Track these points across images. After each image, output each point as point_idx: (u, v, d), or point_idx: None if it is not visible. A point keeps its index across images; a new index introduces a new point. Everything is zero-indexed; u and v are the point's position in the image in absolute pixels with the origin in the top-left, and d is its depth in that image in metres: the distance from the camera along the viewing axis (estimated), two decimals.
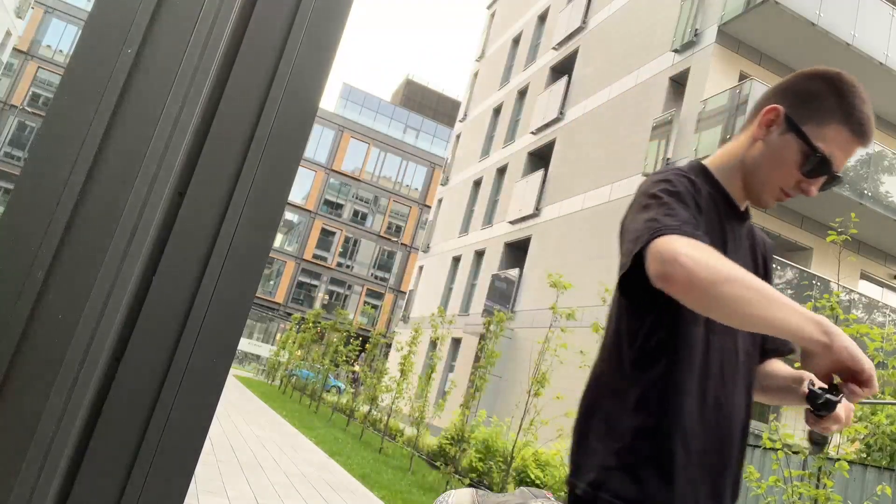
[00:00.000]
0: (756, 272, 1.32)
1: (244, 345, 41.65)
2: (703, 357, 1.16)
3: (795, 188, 1.26)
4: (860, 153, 12.93)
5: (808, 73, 1.31)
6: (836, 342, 1.00)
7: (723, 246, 1.24)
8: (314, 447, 10.06)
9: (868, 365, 1.02)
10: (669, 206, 1.14)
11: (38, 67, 40.10)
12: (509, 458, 8.27)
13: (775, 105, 1.28)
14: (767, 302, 1.01)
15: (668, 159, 13.49)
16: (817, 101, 1.25)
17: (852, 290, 12.73)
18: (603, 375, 1.28)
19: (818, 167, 1.23)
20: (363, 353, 18.93)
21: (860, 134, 1.24)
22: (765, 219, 13.51)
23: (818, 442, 1.14)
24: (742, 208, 1.34)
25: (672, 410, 1.14)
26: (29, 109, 37.58)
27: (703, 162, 1.37)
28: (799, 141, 1.23)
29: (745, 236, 1.35)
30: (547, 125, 19.75)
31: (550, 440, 8.40)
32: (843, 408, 1.09)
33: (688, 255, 1.02)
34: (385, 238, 48.32)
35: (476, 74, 28.42)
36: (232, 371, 23.61)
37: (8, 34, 29.07)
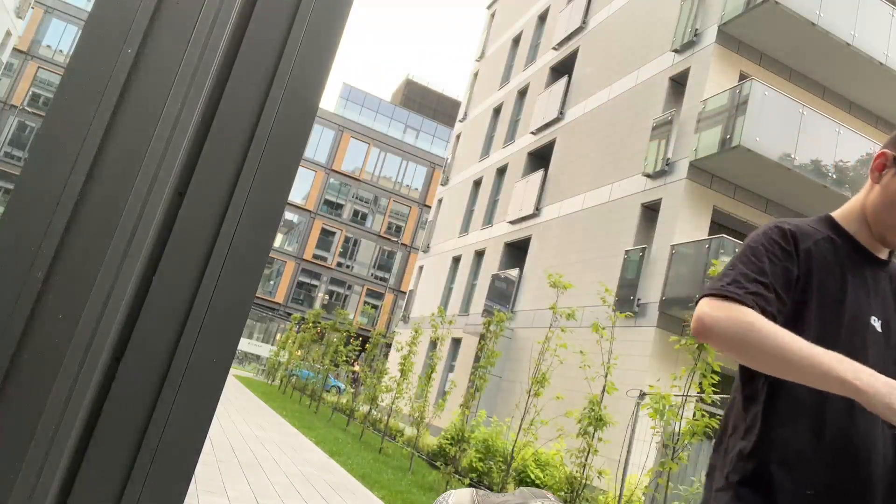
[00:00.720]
0: None
1: (244, 345, 41.65)
2: (818, 393, 1.19)
3: None
4: (869, 150, 12.94)
5: None
6: (866, 395, 1.07)
7: (841, 289, 1.29)
8: (314, 447, 10.06)
9: None
10: (745, 264, 1.27)
11: (38, 67, 40.10)
12: (509, 458, 8.28)
13: (885, 150, 1.35)
14: (788, 355, 1.11)
15: (668, 159, 13.49)
16: None
17: None
18: (728, 414, 1.39)
19: None
20: (363, 353, 18.93)
21: None
22: (764, 218, 13.51)
23: None
24: (881, 254, 1.38)
25: (769, 437, 1.25)
26: (29, 109, 37.58)
27: (833, 213, 1.44)
28: None
29: (888, 278, 1.38)
30: (547, 125, 19.75)
31: (550, 440, 8.40)
32: None
33: (710, 315, 1.19)
34: (385, 238, 48.33)
35: (476, 74, 28.42)
36: (232, 371, 23.62)
37: (8, 34, 29.07)
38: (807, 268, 1.29)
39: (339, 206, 47.84)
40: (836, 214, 1.42)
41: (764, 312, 1.19)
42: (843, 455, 1.20)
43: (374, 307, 47.25)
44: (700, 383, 5.56)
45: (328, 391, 23.39)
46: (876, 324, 1.29)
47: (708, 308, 1.20)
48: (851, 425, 1.21)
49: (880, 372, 1.17)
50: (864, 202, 1.36)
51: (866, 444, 1.21)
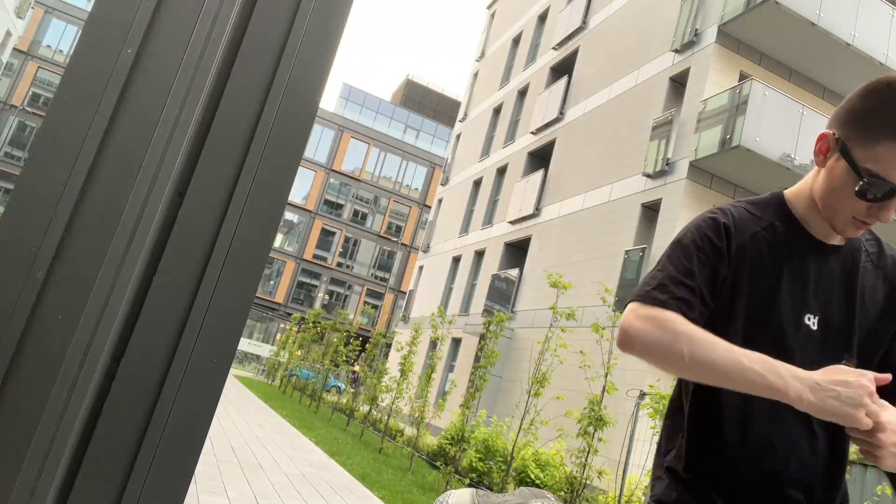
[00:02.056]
0: (852, 296, 1.25)
1: (244, 345, 41.65)
2: (741, 397, 1.15)
3: (868, 215, 1.17)
4: None
5: (862, 88, 1.21)
6: (792, 395, 1.04)
7: (774, 287, 1.22)
8: (314, 447, 10.06)
9: (846, 411, 1.01)
10: (674, 264, 1.21)
11: (38, 67, 40.09)
12: (509, 458, 8.28)
13: (825, 131, 1.23)
14: (713, 364, 1.08)
15: (668, 159, 13.49)
16: (867, 116, 1.16)
17: None
18: (670, 406, 1.37)
19: (874, 190, 1.14)
20: (363, 353, 18.93)
21: None
22: None
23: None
24: (832, 240, 1.27)
25: (693, 446, 1.24)
26: (29, 109, 37.58)
27: (786, 192, 1.33)
28: (848, 165, 1.16)
29: (839, 265, 1.26)
30: (547, 125, 19.75)
31: (550, 440, 8.40)
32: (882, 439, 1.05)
33: (634, 325, 1.15)
34: (385, 238, 48.33)
35: (476, 74, 28.42)
36: (232, 371, 23.62)
37: (8, 34, 29.07)
38: (738, 266, 1.22)
39: (339, 206, 47.84)
40: (789, 193, 1.31)
41: (691, 318, 1.14)
42: (764, 456, 1.18)
43: (374, 307, 47.25)
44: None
45: (328, 391, 23.39)
46: (810, 321, 1.22)
47: (632, 317, 1.15)
48: (772, 425, 1.19)
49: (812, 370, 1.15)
50: (812, 186, 1.26)
51: (785, 446, 1.18)
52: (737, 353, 1.08)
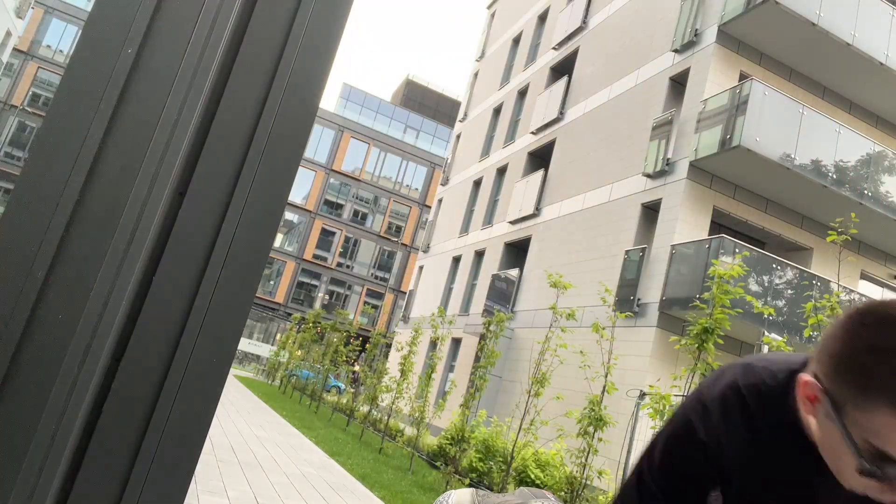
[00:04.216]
0: None
1: (244, 345, 41.65)
2: None
3: (878, 492, 0.87)
4: (865, 153, 12.94)
5: (841, 328, 0.90)
6: None
7: (775, 489, 1.05)
8: (314, 447, 10.06)
9: None
10: (646, 473, 1.14)
11: (38, 67, 40.10)
12: (509, 458, 8.28)
13: (808, 378, 0.93)
14: None
15: (668, 159, 13.49)
16: (856, 371, 0.86)
17: (852, 290, 12.73)
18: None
19: (882, 471, 0.84)
20: (363, 353, 18.93)
21: None
22: (764, 218, 13.53)
23: None
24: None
25: None
26: (29, 109, 37.59)
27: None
28: (843, 434, 0.87)
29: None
30: (547, 125, 19.76)
31: (550, 440, 8.40)
32: None
33: None
34: (385, 238, 48.33)
35: (476, 74, 28.42)
36: (232, 371, 23.62)
37: (8, 34, 29.08)
38: (725, 472, 1.09)
39: (339, 206, 47.84)
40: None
41: None
42: None
43: (374, 307, 47.25)
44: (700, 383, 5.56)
45: (328, 391, 23.40)
46: None
47: None
48: None
49: None
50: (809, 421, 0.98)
51: None
52: None
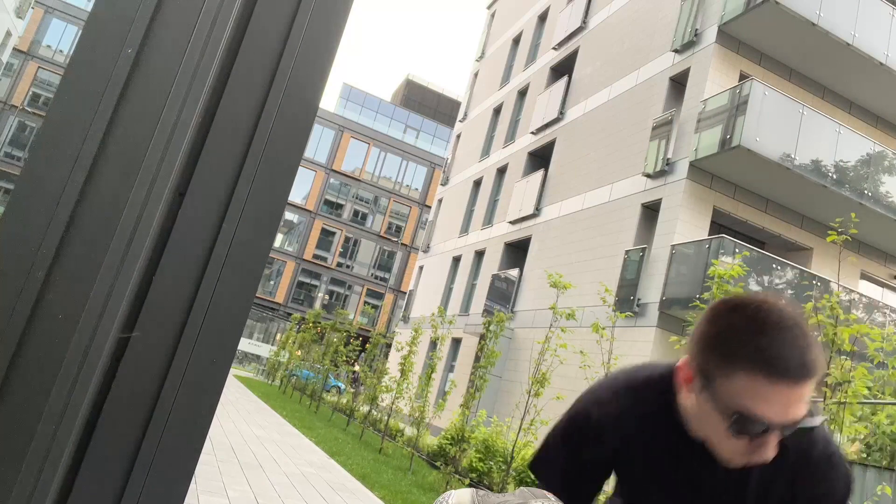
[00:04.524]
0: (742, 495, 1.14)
1: (244, 345, 41.65)
2: None
3: (748, 452, 1.02)
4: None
5: (708, 311, 1.08)
6: None
7: (656, 482, 1.17)
8: (314, 447, 10.06)
9: None
10: (550, 447, 1.26)
11: (38, 67, 40.10)
12: (509, 458, 8.28)
13: (682, 362, 1.09)
14: None
15: (668, 159, 13.50)
16: (719, 344, 1.03)
17: (852, 290, 12.73)
18: None
19: (748, 428, 1.00)
20: (363, 353, 18.93)
21: (767, 366, 0.96)
22: (764, 218, 13.52)
23: None
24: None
25: None
26: (29, 109, 37.59)
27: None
28: (713, 402, 1.03)
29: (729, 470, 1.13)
30: (547, 125, 19.76)
31: None
32: None
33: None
34: (385, 238, 48.33)
35: (476, 74, 28.42)
36: (232, 371, 23.62)
37: (8, 34, 29.08)
38: (617, 458, 1.22)
39: (339, 206, 47.84)
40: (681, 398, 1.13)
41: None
42: None
43: (374, 307, 47.25)
44: None
45: (328, 391, 23.40)
46: None
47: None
48: None
49: None
50: (684, 402, 1.11)
51: None
52: None
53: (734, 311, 1.03)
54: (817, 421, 1.02)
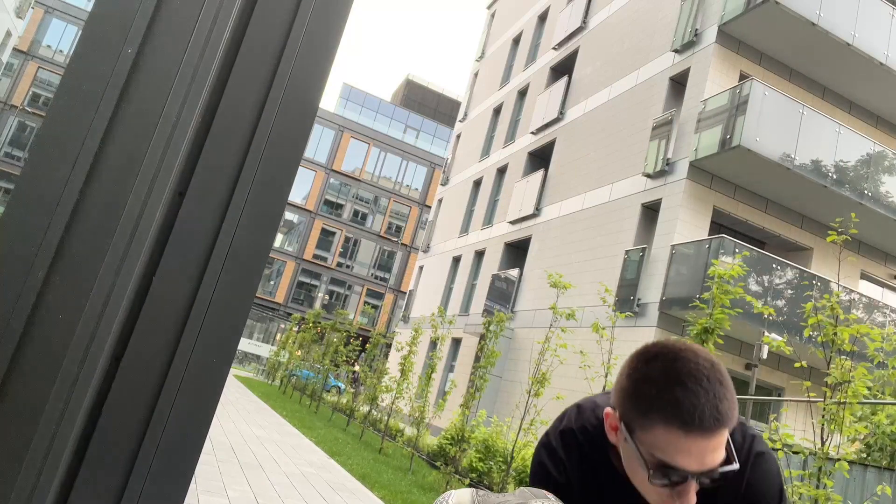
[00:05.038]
0: None
1: (244, 345, 41.65)
2: None
3: (671, 499, 1.04)
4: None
5: (626, 364, 1.10)
6: None
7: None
8: (314, 447, 10.06)
9: None
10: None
11: (38, 67, 40.10)
12: (509, 458, 8.28)
13: (610, 410, 1.12)
14: None
15: (668, 159, 13.50)
16: (636, 397, 1.05)
17: (852, 290, 12.73)
18: None
19: (667, 477, 1.02)
20: (363, 353, 18.93)
21: (681, 420, 0.99)
22: (764, 218, 13.52)
23: None
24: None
25: None
26: (29, 109, 37.59)
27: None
28: (635, 452, 1.06)
29: None
30: (547, 125, 19.76)
31: None
32: None
33: None
34: (385, 238, 48.33)
35: (476, 74, 28.42)
36: (232, 371, 23.63)
37: (8, 34, 29.08)
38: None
39: (339, 206, 47.84)
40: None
41: None
42: None
43: (374, 307, 47.25)
44: None
45: (328, 391, 23.40)
46: None
47: None
48: None
49: None
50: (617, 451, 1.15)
51: None
52: None
53: (651, 361, 1.05)
54: (735, 467, 1.04)
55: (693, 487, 1.03)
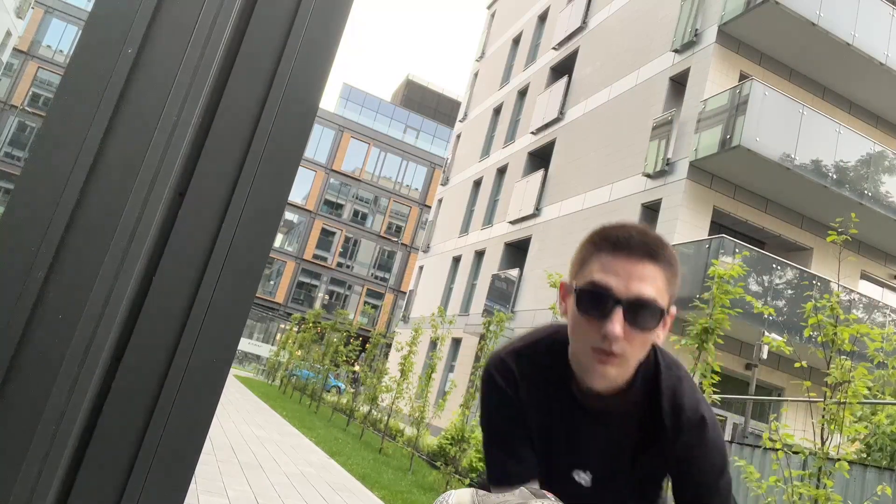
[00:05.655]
0: (622, 452, 1.22)
1: (244, 345, 41.65)
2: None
3: (600, 338, 1.09)
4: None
5: (582, 242, 1.23)
6: None
7: (548, 433, 1.22)
8: (314, 447, 10.06)
9: None
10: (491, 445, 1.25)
11: (38, 67, 40.10)
12: None
13: (563, 281, 1.23)
14: None
15: (668, 159, 13.49)
16: (579, 254, 1.17)
17: (852, 290, 12.73)
18: None
19: (590, 298, 1.09)
20: (363, 353, 18.93)
21: (610, 243, 1.11)
22: (764, 218, 13.52)
23: None
24: (600, 401, 1.19)
25: None
26: (29, 109, 37.58)
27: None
28: (573, 291, 1.14)
29: (610, 423, 1.21)
30: (547, 125, 19.76)
31: None
32: None
33: None
34: (385, 238, 48.33)
35: (476, 74, 28.42)
36: (232, 371, 23.62)
37: (8, 34, 29.08)
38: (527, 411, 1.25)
39: (339, 206, 47.84)
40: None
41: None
42: None
43: (374, 307, 47.24)
44: (700, 383, 5.55)
45: (328, 391, 23.40)
46: (580, 477, 1.23)
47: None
48: None
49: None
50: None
51: None
52: None
53: (591, 233, 1.17)
54: (661, 305, 1.09)
55: (618, 318, 1.06)
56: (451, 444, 9.97)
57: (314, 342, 23.41)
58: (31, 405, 0.69)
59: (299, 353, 24.05)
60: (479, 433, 10.01)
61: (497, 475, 1.20)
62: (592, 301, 1.09)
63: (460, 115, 29.04)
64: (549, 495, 1.06)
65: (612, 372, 1.11)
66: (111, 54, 0.75)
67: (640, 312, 1.08)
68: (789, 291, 12.15)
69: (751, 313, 8.79)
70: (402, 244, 48.48)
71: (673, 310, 1.15)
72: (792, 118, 12.43)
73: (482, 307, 19.15)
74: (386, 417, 13.55)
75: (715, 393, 5.56)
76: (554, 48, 21.05)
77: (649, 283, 1.08)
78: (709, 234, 12.70)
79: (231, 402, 13.45)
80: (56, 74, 39.92)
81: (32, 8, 36.01)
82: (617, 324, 1.06)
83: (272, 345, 41.87)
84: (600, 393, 1.16)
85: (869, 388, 4.34)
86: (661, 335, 1.15)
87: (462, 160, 26.53)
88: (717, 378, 5.56)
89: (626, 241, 1.09)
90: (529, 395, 1.22)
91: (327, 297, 46.21)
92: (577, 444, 1.22)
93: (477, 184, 24.18)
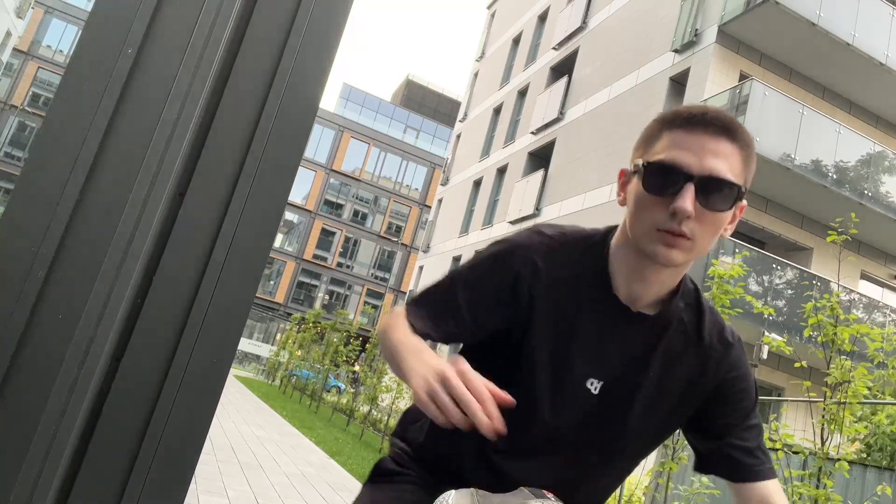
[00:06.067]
0: (644, 370, 1.11)
1: (244, 345, 41.65)
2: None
3: (667, 217, 1.00)
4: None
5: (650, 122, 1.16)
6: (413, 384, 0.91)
7: (569, 337, 1.10)
8: (314, 447, 10.06)
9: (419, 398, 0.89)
10: (443, 289, 1.12)
11: (38, 67, 40.10)
12: None
13: (623, 169, 1.13)
14: (394, 361, 1.01)
15: None
16: (647, 132, 1.09)
17: (852, 290, 12.73)
18: None
19: (659, 174, 1.01)
20: (363, 353, 18.93)
21: (683, 118, 1.03)
22: (764, 218, 13.53)
23: None
24: (636, 305, 1.11)
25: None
26: (29, 109, 37.59)
27: (613, 238, 1.14)
28: (638, 170, 1.05)
29: (643, 335, 1.11)
30: (547, 125, 19.76)
31: None
32: None
33: (381, 324, 1.10)
34: (385, 238, 48.33)
35: (476, 74, 28.43)
36: (232, 371, 23.61)
37: (8, 34, 29.08)
38: (530, 314, 1.10)
39: (339, 206, 47.84)
40: (614, 240, 1.13)
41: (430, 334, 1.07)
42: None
43: (374, 307, 47.24)
44: None
45: (328, 391, 23.40)
46: (592, 386, 1.10)
47: (386, 318, 1.11)
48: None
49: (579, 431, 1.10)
50: (625, 227, 1.10)
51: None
52: (411, 347, 0.99)
53: (663, 113, 1.09)
54: (738, 183, 1.02)
55: (689, 193, 0.98)
56: None
57: (314, 342, 23.41)
58: (31, 405, 0.69)
59: (299, 353, 24.05)
60: None
61: (421, 323, 1.07)
62: (662, 176, 1.01)
63: (460, 115, 29.05)
64: (549, 495, 1.06)
65: (677, 257, 1.02)
66: (111, 54, 0.75)
67: (714, 191, 1.00)
68: (789, 291, 12.15)
69: (751, 313, 8.80)
70: (402, 244, 48.48)
71: (744, 202, 1.06)
72: (792, 118, 12.43)
73: None
74: (386, 417, 13.55)
75: None
76: (554, 48, 21.06)
77: (724, 160, 1.01)
78: None
79: (231, 402, 13.45)
80: (56, 74, 39.91)
81: (32, 8, 36.02)
82: (688, 200, 0.98)
83: (272, 345, 41.87)
84: (643, 299, 1.09)
85: (869, 388, 4.34)
86: (729, 227, 1.07)
87: (462, 160, 26.53)
88: None
89: (702, 116, 1.02)
90: (547, 298, 1.09)
91: (327, 297, 46.22)
92: (599, 348, 1.11)
93: (477, 184, 24.19)
